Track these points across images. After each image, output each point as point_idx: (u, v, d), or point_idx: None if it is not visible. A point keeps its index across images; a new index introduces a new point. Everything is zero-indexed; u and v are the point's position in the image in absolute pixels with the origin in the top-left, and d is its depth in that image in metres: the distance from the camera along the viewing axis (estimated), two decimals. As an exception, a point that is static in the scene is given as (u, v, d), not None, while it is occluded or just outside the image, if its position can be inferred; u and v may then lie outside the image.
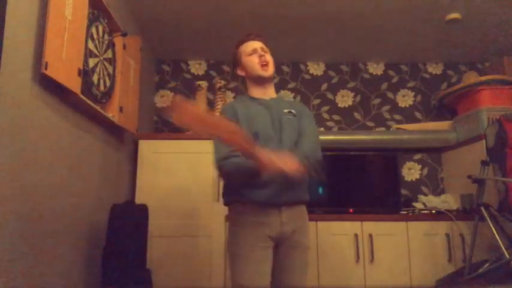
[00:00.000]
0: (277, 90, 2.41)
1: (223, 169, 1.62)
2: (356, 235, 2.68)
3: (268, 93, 1.81)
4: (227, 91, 3.43)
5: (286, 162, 1.45)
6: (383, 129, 3.51)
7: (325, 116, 3.53)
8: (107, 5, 2.14)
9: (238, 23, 2.92)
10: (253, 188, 1.62)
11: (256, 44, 1.80)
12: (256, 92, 1.81)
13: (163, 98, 3.51)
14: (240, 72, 1.84)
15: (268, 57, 1.78)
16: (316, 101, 3.55)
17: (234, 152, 1.56)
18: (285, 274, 1.65)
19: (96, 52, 2.04)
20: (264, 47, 1.81)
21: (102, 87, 2.10)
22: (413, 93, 3.60)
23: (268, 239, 1.61)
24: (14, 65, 1.41)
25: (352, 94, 3.58)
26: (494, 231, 2.33)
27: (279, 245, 1.65)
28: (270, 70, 1.78)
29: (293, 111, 1.79)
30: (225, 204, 1.74)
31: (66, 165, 1.79)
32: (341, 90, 3.57)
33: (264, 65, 1.76)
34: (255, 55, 1.77)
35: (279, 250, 1.65)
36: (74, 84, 1.72)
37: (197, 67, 3.58)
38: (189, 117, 1.31)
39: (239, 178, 1.63)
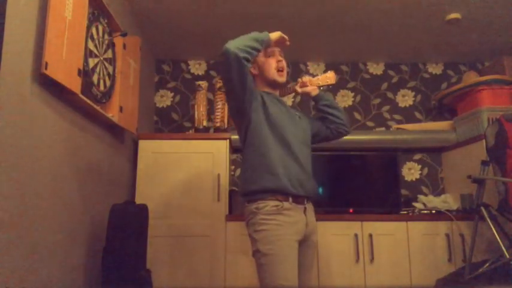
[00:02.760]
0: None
1: (228, 44, 1.58)
2: (356, 235, 2.68)
3: (277, 92, 1.90)
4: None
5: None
6: (383, 129, 3.51)
7: (325, 116, 3.53)
8: (107, 5, 2.14)
9: (239, 24, 2.92)
10: (283, 176, 1.65)
11: (275, 47, 1.84)
12: (269, 90, 1.87)
13: (163, 98, 3.51)
14: (253, 71, 1.87)
15: (284, 63, 1.85)
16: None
17: None
18: (302, 273, 1.69)
19: (96, 52, 2.04)
20: (281, 51, 1.86)
21: (102, 87, 2.10)
22: (413, 93, 3.60)
23: (297, 241, 1.65)
24: (14, 65, 1.41)
25: (352, 94, 3.58)
26: (494, 231, 2.33)
27: (300, 245, 1.69)
28: (284, 76, 1.85)
29: (297, 113, 1.91)
30: (250, 199, 1.69)
31: (66, 165, 1.79)
32: (341, 90, 3.57)
33: (281, 70, 1.83)
34: (274, 58, 1.82)
35: (298, 250, 1.67)
36: (74, 84, 1.72)
37: (197, 67, 3.58)
38: None
39: (243, 40, 1.62)
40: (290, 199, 1.66)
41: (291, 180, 1.66)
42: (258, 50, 1.67)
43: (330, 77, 1.93)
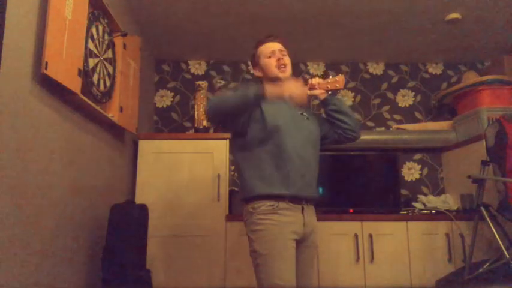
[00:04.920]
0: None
1: (213, 100, 1.66)
2: (356, 235, 2.68)
3: None
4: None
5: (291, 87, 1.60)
6: (383, 129, 3.51)
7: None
8: (107, 5, 2.14)
9: (238, 24, 2.92)
10: (278, 182, 1.65)
11: (275, 46, 1.83)
12: None
13: (163, 98, 3.51)
14: (258, 73, 1.90)
15: (287, 60, 1.83)
16: (317, 101, 3.55)
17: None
18: (301, 273, 1.69)
19: (96, 52, 2.04)
20: (283, 48, 1.85)
21: (102, 87, 2.10)
22: (413, 93, 3.60)
23: (294, 241, 1.65)
24: (14, 65, 1.41)
25: (352, 94, 3.58)
26: (494, 231, 2.33)
27: (297, 245, 1.68)
28: (288, 72, 1.83)
29: (305, 114, 1.89)
30: (247, 200, 1.71)
31: (66, 165, 1.79)
32: (341, 90, 3.57)
33: (282, 66, 1.81)
34: (273, 57, 1.81)
35: (296, 250, 1.67)
36: (74, 84, 1.72)
37: (197, 67, 3.58)
38: None
39: (230, 100, 1.63)
40: (286, 199, 1.66)
41: (288, 187, 1.66)
42: (249, 105, 1.64)
43: (339, 81, 1.84)
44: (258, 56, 1.85)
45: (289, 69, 1.84)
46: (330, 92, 1.88)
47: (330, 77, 1.89)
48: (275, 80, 1.82)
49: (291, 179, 1.66)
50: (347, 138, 1.90)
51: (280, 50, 1.83)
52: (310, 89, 1.89)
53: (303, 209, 1.70)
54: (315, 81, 1.89)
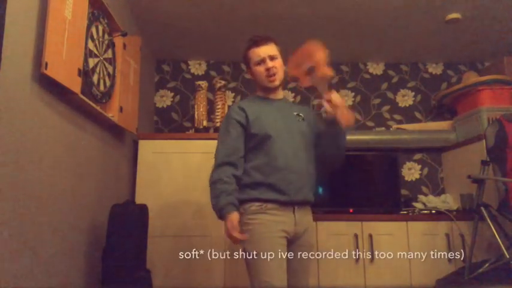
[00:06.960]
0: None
1: (215, 176, 1.69)
2: (356, 235, 2.68)
3: (276, 94, 1.86)
4: (227, 91, 3.43)
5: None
6: (383, 129, 3.51)
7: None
8: (107, 5, 2.14)
9: (238, 23, 2.91)
10: (266, 190, 1.66)
11: (265, 52, 1.76)
12: (264, 94, 1.86)
13: (163, 98, 3.51)
14: (250, 76, 1.89)
15: (277, 66, 1.77)
16: (316, 102, 3.55)
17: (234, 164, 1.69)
18: (295, 273, 1.69)
19: (96, 52, 2.04)
20: (273, 53, 1.78)
21: (102, 87, 2.10)
22: (413, 93, 3.60)
23: (284, 239, 1.65)
24: (14, 65, 1.41)
25: (352, 94, 3.58)
26: (494, 231, 2.33)
27: (290, 244, 1.69)
28: (277, 81, 1.79)
29: (301, 114, 1.85)
30: (239, 201, 1.70)
31: (66, 165, 1.79)
32: (341, 90, 3.57)
33: (271, 76, 1.76)
34: (263, 65, 1.77)
35: (289, 249, 1.68)
36: (74, 84, 1.72)
37: (197, 67, 3.58)
38: None
39: (213, 193, 1.68)
40: (276, 203, 1.67)
41: (277, 195, 1.66)
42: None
43: (350, 118, 1.68)
44: (247, 60, 1.83)
45: (279, 77, 1.79)
46: (323, 110, 1.73)
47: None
48: (264, 88, 1.82)
49: (279, 187, 1.66)
50: (321, 162, 1.83)
51: (270, 56, 1.76)
52: (327, 100, 1.68)
53: (294, 208, 1.70)
54: (337, 99, 1.66)
